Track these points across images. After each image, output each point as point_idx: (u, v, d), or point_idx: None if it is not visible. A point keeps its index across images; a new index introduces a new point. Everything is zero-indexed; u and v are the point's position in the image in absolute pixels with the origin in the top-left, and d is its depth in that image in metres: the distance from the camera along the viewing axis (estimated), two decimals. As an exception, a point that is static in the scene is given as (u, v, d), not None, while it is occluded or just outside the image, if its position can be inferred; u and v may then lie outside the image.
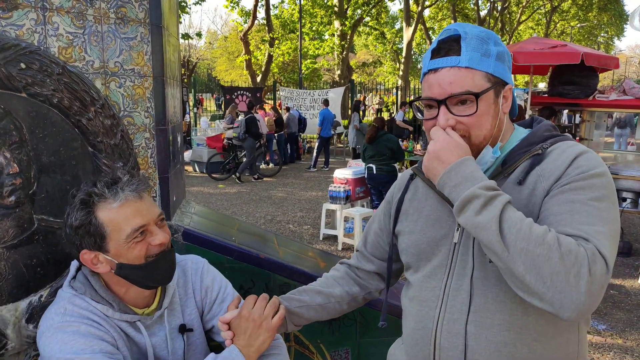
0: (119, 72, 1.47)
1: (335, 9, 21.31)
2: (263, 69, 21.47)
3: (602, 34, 39.48)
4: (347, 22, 21.36)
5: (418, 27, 23.96)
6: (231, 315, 1.20)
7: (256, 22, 21.16)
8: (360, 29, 25.83)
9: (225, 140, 11.40)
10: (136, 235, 1.13)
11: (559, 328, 1.03)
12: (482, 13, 29.29)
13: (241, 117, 11.97)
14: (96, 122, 1.41)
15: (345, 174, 6.68)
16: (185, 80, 20.89)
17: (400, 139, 9.53)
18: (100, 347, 1.10)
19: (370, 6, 22.84)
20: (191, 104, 17.22)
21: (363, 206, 6.71)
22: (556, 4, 30.87)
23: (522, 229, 0.88)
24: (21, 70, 1.28)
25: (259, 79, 21.03)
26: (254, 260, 1.74)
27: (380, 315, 1.30)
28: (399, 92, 20.61)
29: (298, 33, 19.20)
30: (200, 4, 21.12)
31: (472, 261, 1.05)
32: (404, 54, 23.44)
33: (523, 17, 31.90)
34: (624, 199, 5.60)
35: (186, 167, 11.80)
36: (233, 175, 10.70)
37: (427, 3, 23.76)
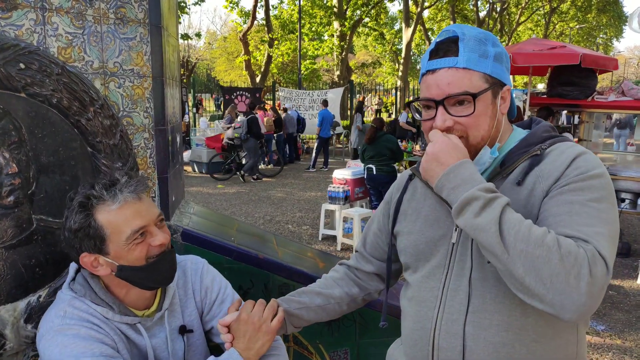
0: (118, 73, 1.47)
1: (335, 9, 21.34)
2: (262, 70, 21.47)
3: (601, 35, 39.54)
4: (346, 23, 21.38)
5: (417, 28, 23.98)
6: (231, 318, 1.20)
7: (255, 22, 21.16)
8: (360, 29, 25.85)
9: (226, 140, 11.40)
10: (136, 236, 1.12)
11: (558, 329, 1.03)
12: (481, 14, 29.33)
13: (241, 118, 11.96)
14: (95, 122, 1.41)
15: (344, 174, 6.68)
16: (185, 80, 20.87)
17: (403, 140, 9.55)
18: (100, 350, 1.09)
19: (370, 7, 22.87)
20: (190, 104, 17.21)
21: (362, 206, 6.71)
22: (555, 5, 30.91)
23: (521, 230, 0.88)
24: (20, 70, 1.28)
25: (258, 79, 21.04)
26: (253, 260, 1.74)
27: (379, 316, 1.31)
28: (398, 93, 20.63)
29: (297, 33, 19.21)
30: (199, 5, 21.19)
31: (470, 262, 1.05)
32: (403, 54, 23.47)
33: (522, 18, 31.93)
34: (623, 200, 5.61)
35: (185, 168, 11.79)
36: (237, 174, 10.70)
37: (426, 4, 23.79)
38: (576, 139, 5.93)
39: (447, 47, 1.04)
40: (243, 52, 20.51)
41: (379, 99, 26.26)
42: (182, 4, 17.99)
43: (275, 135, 12.63)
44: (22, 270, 1.33)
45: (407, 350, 1.19)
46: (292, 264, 1.83)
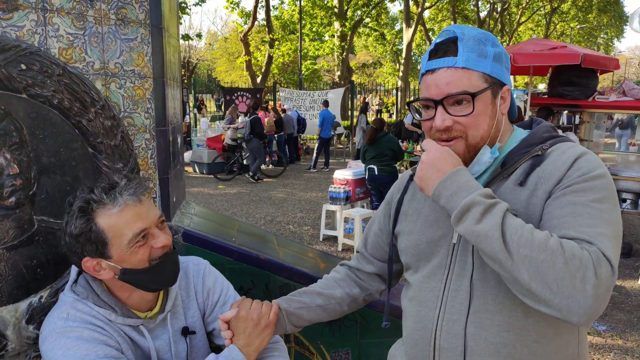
0: (119, 73, 1.47)
1: (335, 10, 21.33)
2: (263, 70, 21.47)
3: (601, 35, 39.51)
4: (347, 23, 21.37)
5: (418, 28, 23.98)
6: (231, 313, 1.21)
7: (256, 23, 21.17)
8: (360, 30, 25.84)
9: (228, 141, 11.41)
10: (138, 239, 1.12)
11: (559, 329, 1.03)
12: (482, 14, 29.32)
13: (241, 118, 11.97)
14: (96, 123, 1.41)
15: (345, 174, 6.68)
16: (185, 81, 20.89)
17: (404, 141, 9.54)
18: (104, 352, 1.09)
19: (370, 7, 22.86)
20: (191, 104, 17.22)
21: (363, 207, 6.71)
22: (556, 5, 30.88)
23: (524, 235, 0.88)
24: (21, 71, 1.28)
25: (259, 79, 21.04)
26: (254, 261, 1.74)
27: (380, 316, 1.31)
28: (399, 93, 20.62)
29: (298, 34, 19.20)
30: (200, 5, 21.17)
31: (471, 262, 1.05)
32: (403, 55, 23.46)
33: (523, 19, 31.92)
34: (624, 200, 5.60)
35: (186, 168, 11.80)
36: (246, 175, 10.71)
37: (427, 4, 23.78)
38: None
39: (446, 47, 1.05)
40: (244, 53, 20.51)
41: (380, 99, 26.24)
42: (183, 4, 18.01)
43: (276, 135, 12.63)
44: (24, 271, 1.33)
45: (408, 350, 1.19)
46: (293, 265, 1.83)
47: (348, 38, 21.89)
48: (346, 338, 1.86)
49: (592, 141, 6.30)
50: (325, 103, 13.24)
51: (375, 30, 26.79)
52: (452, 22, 26.14)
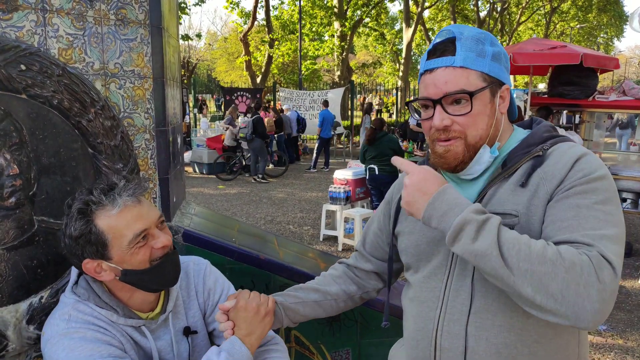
0: (119, 74, 1.47)
1: (335, 10, 21.33)
2: (263, 70, 21.47)
3: (601, 35, 39.50)
4: (346, 23, 21.37)
5: (418, 28, 23.98)
6: (230, 303, 1.21)
7: (256, 23, 21.16)
8: (360, 29, 25.84)
9: (227, 141, 11.41)
10: (138, 240, 1.12)
11: (560, 330, 1.03)
12: (482, 14, 29.32)
13: (241, 118, 11.97)
14: (96, 124, 1.41)
15: (345, 174, 6.67)
16: (185, 81, 20.89)
17: (405, 141, 9.54)
18: (108, 351, 1.09)
19: (370, 7, 22.86)
20: (191, 105, 17.22)
21: (363, 207, 6.71)
22: (556, 4, 30.89)
23: (522, 249, 0.87)
24: (21, 71, 1.28)
25: (258, 79, 21.04)
26: (254, 261, 1.74)
27: (380, 316, 1.31)
28: (399, 93, 20.61)
29: (298, 34, 19.20)
30: (200, 5, 21.13)
31: (472, 262, 1.05)
32: (403, 54, 23.47)
33: (523, 18, 31.92)
34: (624, 200, 5.60)
35: (186, 168, 11.80)
36: (256, 177, 10.73)
37: (426, 4, 23.78)
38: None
39: (444, 47, 1.05)
40: (243, 53, 20.51)
41: (380, 99, 26.25)
42: (183, 4, 18.01)
43: (276, 135, 12.63)
44: (24, 271, 1.33)
45: (409, 350, 1.19)
46: (293, 265, 1.83)
47: (348, 38, 21.89)
48: (346, 338, 1.86)
49: (592, 141, 6.30)
50: (325, 103, 13.24)
51: (375, 30, 26.79)
52: (452, 22, 26.13)
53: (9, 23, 1.28)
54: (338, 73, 21.92)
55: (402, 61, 23.65)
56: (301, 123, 13.67)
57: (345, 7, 21.60)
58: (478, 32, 1.06)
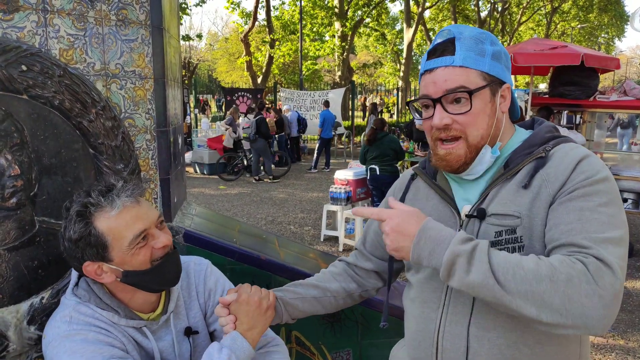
0: (120, 74, 1.47)
1: (336, 10, 21.32)
2: (264, 70, 21.46)
3: (602, 35, 39.47)
4: (347, 24, 21.36)
5: (418, 28, 23.99)
6: (231, 297, 1.20)
7: (257, 23, 21.16)
8: (361, 30, 25.84)
9: (227, 142, 11.42)
10: (138, 240, 1.12)
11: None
12: (483, 14, 29.30)
13: (242, 118, 11.97)
14: (97, 124, 1.41)
15: (346, 175, 6.67)
16: (186, 81, 20.90)
17: (405, 141, 9.53)
18: (110, 353, 1.09)
19: (371, 7, 22.85)
20: (192, 105, 17.23)
21: (364, 207, 6.69)
22: (556, 4, 30.87)
23: (516, 272, 0.87)
24: (22, 72, 1.28)
25: (259, 80, 21.04)
26: (255, 261, 1.74)
27: (381, 317, 1.30)
28: (400, 93, 20.61)
29: (299, 34, 19.20)
30: (200, 6, 21.12)
31: (473, 262, 1.05)
32: (404, 55, 23.46)
33: (523, 18, 31.90)
34: (625, 200, 5.59)
35: (187, 169, 11.80)
36: (267, 179, 10.75)
37: (427, 4, 23.78)
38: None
39: (444, 47, 1.05)
40: (244, 53, 20.51)
41: (381, 99, 26.25)
42: (184, 5, 18.02)
43: (277, 136, 12.63)
44: (25, 272, 1.33)
45: (410, 351, 1.19)
46: (294, 265, 1.83)
47: (349, 38, 21.89)
48: (347, 338, 1.86)
49: (594, 141, 6.29)
50: (326, 103, 13.24)
51: (376, 30, 26.79)
52: (453, 22, 26.13)
53: (10, 24, 1.28)
54: (339, 73, 21.92)
55: (403, 61, 23.65)
56: (302, 123, 13.67)
57: (346, 8, 21.59)
58: (478, 31, 1.07)
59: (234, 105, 14.13)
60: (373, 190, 6.47)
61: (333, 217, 6.51)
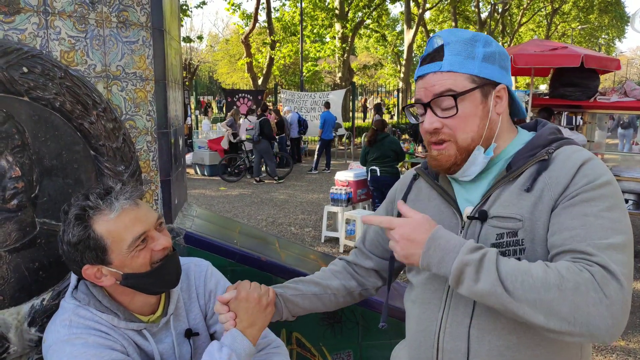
0: (120, 76, 1.47)
1: (336, 11, 21.35)
2: (264, 72, 21.48)
3: (603, 36, 39.48)
4: (348, 25, 21.39)
5: (419, 30, 23.99)
6: (230, 295, 1.19)
7: (257, 25, 21.19)
8: (361, 31, 25.85)
9: (225, 143, 11.43)
10: (138, 243, 1.11)
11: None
12: (483, 15, 29.31)
13: (242, 120, 11.98)
14: (98, 126, 1.42)
15: (346, 176, 6.67)
16: (187, 83, 20.92)
17: (406, 142, 9.55)
18: (111, 356, 1.08)
19: (371, 9, 22.87)
20: (192, 107, 17.24)
21: (364, 208, 6.70)
22: (557, 6, 30.89)
23: (525, 280, 0.88)
24: (23, 74, 1.28)
25: (260, 81, 21.05)
26: (255, 263, 1.74)
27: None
28: (400, 95, 20.62)
29: (299, 36, 19.22)
30: (201, 7, 21.14)
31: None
32: (404, 56, 23.47)
33: (524, 19, 31.92)
34: (626, 201, 5.59)
35: (188, 170, 11.79)
36: (272, 180, 10.77)
37: (427, 5, 23.79)
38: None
39: (434, 54, 1.08)
40: (245, 55, 20.54)
41: (381, 100, 26.26)
42: (184, 6, 18.04)
43: (277, 137, 12.64)
44: (26, 273, 1.33)
45: (411, 352, 1.19)
46: (294, 267, 1.83)
47: (349, 39, 21.91)
48: (348, 340, 1.86)
49: (594, 142, 6.29)
50: (327, 104, 13.25)
51: (376, 32, 26.80)
52: (453, 23, 26.14)
53: (12, 26, 1.28)
54: (339, 74, 21.94)
55: (403, 62, 23.65)
56: (303, 125, 13.68)
57: (347, 9, 21.62)
58: (470, 35, 1.08)
59: (235, 107, 14.14)
60: (374, 191, 6.47)
61: (334, 219, 6.51)
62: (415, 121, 1.16)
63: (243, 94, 15.87)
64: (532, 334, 1.01)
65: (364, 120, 24.60)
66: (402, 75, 23.59)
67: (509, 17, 32.29)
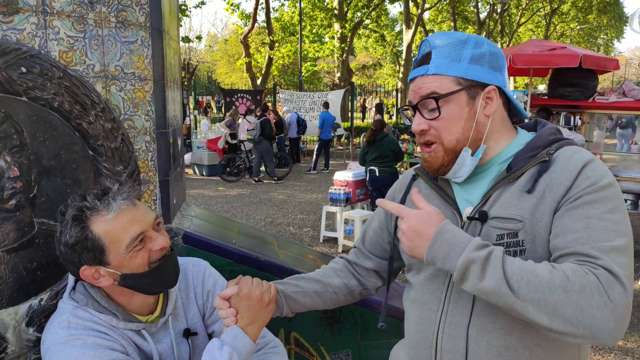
0: (119, 76, 1.47)
1: (335, 11, 21.33)
2: (263, 72, 21.46)
3: (601, 36, 39.53)
4: (347, 25, 21.38)
5: (418, 30, 23.98)
6: (231, 291, 1.18)
7: (256, 25, 21.18)
8: (360, 31, 25.82)
9: (222, 143, 11.44)
10: (136, 243, 1.11)
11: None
12: (482, 15, 29.33)
13: (241, 120, 11.98)
14: (97, 126, 1.42)
15: (345, 176, 6.68)
16: (186, 83, 20.90)
17: (405, 142, 9.57)
18: (111, 357, 1.08)
19: (370, 9, 22.87)
20: (191, 107, 17.23)
21: (363, 208, 6.71)
22: (556, 6, 30.92)
23: (530, 279, 0.88)
24: (22, 74, 1.28)
25: (259, 81, 21.04)
26: (254, 263, 1.74)
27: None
28: (399, 95, 20.63)
29: (298, 36, 19.21)
30: (200, 7, 21.10)
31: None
32: (403, 56, 23.45)
33: (523, 20, 31.95)
34: (625, 201, 5.60)
35: (186, 170, 11.81)
36: (272, 180, 10.77)
37: (426, 6, 23.80)
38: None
39: (424, 57, 1.10)
40: (244, 55, 20.52)
41: (380, 100, 26.27)
42: (183, 6, 18.03)
43: (276, 137, 12.64)
44: (24, 273, 1.33)
45: (410, 352, 1.19)
46: (293, 267, 1.83)
47: (348, 39, 21.89)
48: (346, 339, 1.86)
49: (593, 142, 6.30)
50: (326, 104, 13.25)
51: (375, 32, 26.79)
52: (452, 24, 26.16)
53: (10, 26, 1.28)
54: (338, 75, 21.93)
55: (402, 63, 23.64)
56: (301, 125, 13.68)
57: (346, 9, 21.61)
58: (459, 37, 1.08)
59: (234, 107, 14.13)
60: (372, 191, 6.47)
61: (332, 218, 6.51)
62: (409, 123, 1.18)
63: (242, 94, 15.86)
64: (531, 334, 1.01)
65: (362, 120, 24.61)
66: (400, 75, 23.57)
67: (507, 17, 32.30)
